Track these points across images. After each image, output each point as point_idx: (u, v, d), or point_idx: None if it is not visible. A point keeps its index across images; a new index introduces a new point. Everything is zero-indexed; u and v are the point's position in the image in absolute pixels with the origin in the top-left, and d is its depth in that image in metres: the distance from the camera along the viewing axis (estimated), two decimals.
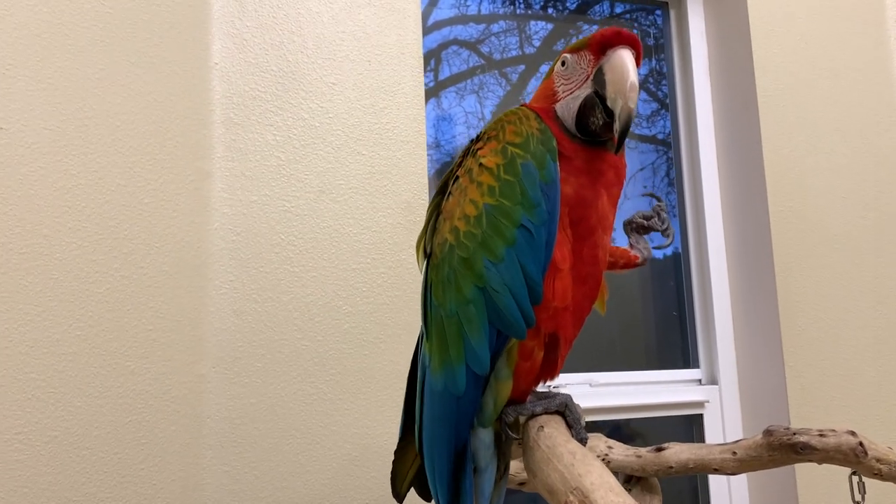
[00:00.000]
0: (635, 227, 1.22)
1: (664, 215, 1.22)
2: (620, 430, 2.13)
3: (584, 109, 0.96)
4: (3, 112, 1.44)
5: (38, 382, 1.41)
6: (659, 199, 1.23)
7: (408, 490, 1.17)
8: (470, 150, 1.05)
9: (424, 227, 1.10)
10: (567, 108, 0.99)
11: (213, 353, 1.58)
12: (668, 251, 2.34)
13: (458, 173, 1.04)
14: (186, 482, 1.52)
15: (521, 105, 1.04)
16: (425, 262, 1.08)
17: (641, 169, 2.38)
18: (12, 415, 1.38)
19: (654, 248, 1.23)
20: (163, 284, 1.54)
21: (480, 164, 0.98)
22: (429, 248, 1.07)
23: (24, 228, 1.44)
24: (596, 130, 0.97)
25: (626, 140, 1.00)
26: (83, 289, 1.47)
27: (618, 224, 1.17)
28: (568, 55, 1.00)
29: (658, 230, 1.21)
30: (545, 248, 0.94)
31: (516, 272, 0.93)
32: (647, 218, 1.21)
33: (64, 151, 1.49)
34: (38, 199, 1.45)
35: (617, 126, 0.92)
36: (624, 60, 0.92)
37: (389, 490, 1.64)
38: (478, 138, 1.05)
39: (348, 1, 1.80)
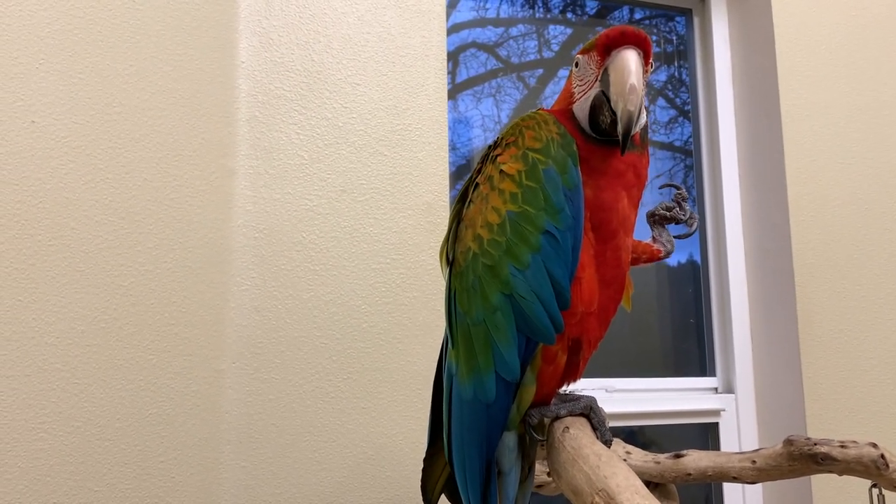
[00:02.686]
0: (658, 220, 1.20)
1: (685, 205, 1.19)
2: (635, 436, 2.12)
3: (594, 109, 0.96)
4: (35, 106, 1.46)
5: (62, 374, 1.42)
6: (678, 188, 1.21)
7: (439, 497, 1.17)
8: (489, 157, 1.05)
9: (447, 235, 1.10)
10: (581, 108, 0.99)
11: (233, 349, 1.59)
12: (686, 257, 2.33)
13: (478, 180, 1.04)
14: (205, 476, 1.53)
15: (538, 109, 1.04)
16: (448, 270, 1.08)
17: (659, 175, 2.38)
18: (37, 404, 1.40)
19: (676, 237, 1.20)
20: (186, 280, 1.56)
21: (501, 171, 0.98)
22: (451, 256, 1.07)
23: (52, 221, 1.45)
24: (607, 129, 0.97)
25: (649, 145, 1.01)
26: (108, 282, 1.49)
27: (641, 219, 1.17)
28: (580, 56, 1.01)
29: (681, 220, 1.19)
30: (571, 252, 0.94)
31: (543, 278, 0.93)
32: (669, 209, 1.19)
33: (92, 146, 1.51)
34: (66, 192, 1.47)
35: (619, 128, 0.91)
36: (626, 62, 0.92)
37: (405, 489, 1.65)
38: (495, 144, 1.05)
39: (374, 2, 1.81)
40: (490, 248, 0.96)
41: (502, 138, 1.03)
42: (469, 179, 1.09)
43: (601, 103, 0.95)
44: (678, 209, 1.18)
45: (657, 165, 2.39)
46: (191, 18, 1.64)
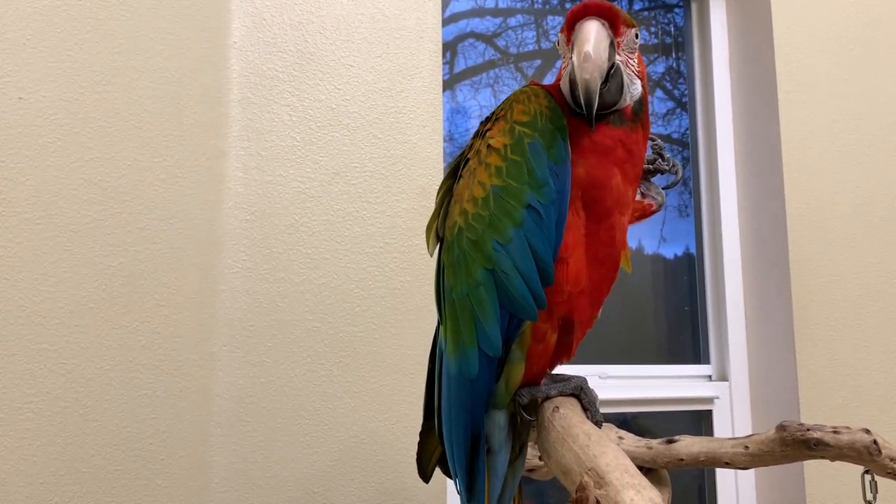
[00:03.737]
0: (643, 174, 1.16)
1: (665, 154, 1.17)
2: (629, 424, 2.11)
3: (571, 85, 0.95)
4: (23, 82, 1.44)
5: (49, 353, 1.41)
6: (653, 139, 1.17)
7: (433, 470, 1.17)
8: (479, 132, 1.04)
9: (436, 210, 1.09)
10: (564, 85, 0.98)
11: (224, 332, 1.58)
12: (689, 249, 2.33)
13: (468, 155, 1.03)
14: (194, 459, 1.52)
15: (531, 83, 1.03)
16: (438, 246, 1.08)
17: None
18: (24, 384, 1.38)
19: (664, 188, 1.18)
20: (176, 261, 1.54)
21: (489, 146, 0.98)
22: (441, 231, 1.06)
23: (40, 199, 1.43)
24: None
25: (647, 121, 0.99)
26: (97, 262, 1.47)
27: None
28: (559, 35, 1.00)
29: (665, 170, 1.16)
30: (555, 228, 0.92)
31: (525, 253, 0.92)
32: (651, 161, 1.16)
33: (81, 124, 1.49)
34: (54, 169, 1.45)
35: (581, 100, 0.90)
36: (583, 32, 0.91)
37: (396, 473, 1.64)
38: (487, 119, 1.04)
39: None
40: (474, 222, 0.95)
41: (494, 113, 1.02)
42: (460, 155, 1.08)
43: (573, 79, 0.93)
44: (660, 160, 1.16)
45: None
46: None
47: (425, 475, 1.18)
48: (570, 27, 0.94)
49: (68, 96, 1.48)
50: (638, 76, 0.99)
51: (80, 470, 1.41)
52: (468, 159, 1.02)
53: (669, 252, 2.35)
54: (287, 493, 1.58)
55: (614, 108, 0.96)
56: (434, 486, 1.28)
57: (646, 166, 1.15)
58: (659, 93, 2.43)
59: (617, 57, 0.95)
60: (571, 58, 0.93)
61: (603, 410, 2.02)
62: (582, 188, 0.95)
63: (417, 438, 1.17)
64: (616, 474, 0.80)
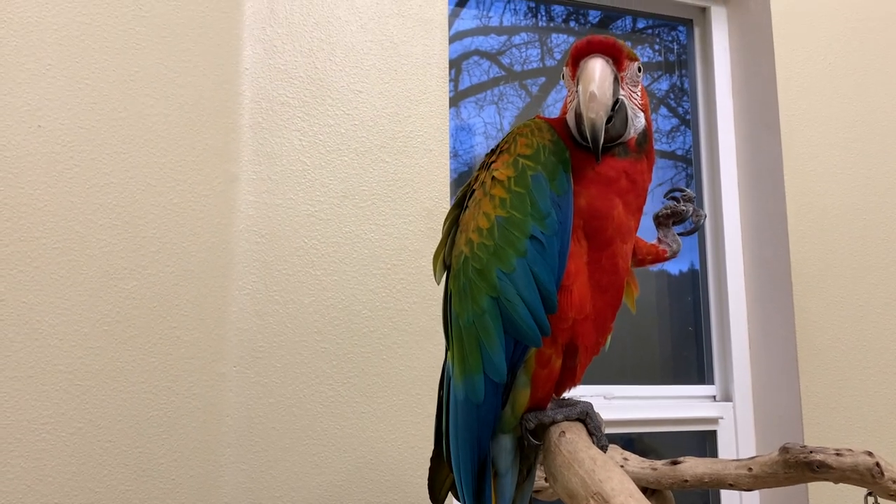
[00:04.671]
0: (663, 220, 1.20)
1: (688, 204, 1.20)
2: (634, 444, 2.13)
3: (577, 119, 0.98)
4: (42, 111, 1.48)
5: (65, 375, 1.44)
6: (684, 190, 1.22)
7: (446, 495, 1.19)
8: (485, 164, 1.07)
9: (443, 239, 1.13)
10: (570, 119, 1.01)
11: (234, 353, 1.61)
12: (685, 266, 2.35)
13: (474, 186, 1.07)
14: (205, 478, 1.54)
15: (536, 117, 1.06)
16: (445, 274, 1.11)
17: (660, 184, 2.39)
18: (40, 405, 1.41)
19: (680, 234, 1.21)
20: (188, 283, 1.57)
21: (493, 178, 1.01)
22: (448, 260, 1.09)
23: (57, 224, 1.47)
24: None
25: (652, 150, 1.02)
26: (111, 285, 1.50)
27: (649, 223, 1.17)
28: (564, 69, 1.04)
29: (686, 218, 1.19)
30: (558, 257, 0.95)
31: (529, 282, 0.95)
32: (671, 208, 1.20)
33: (98, 150, 1.53)
34: (71, 195, 1.49)
35: (588, 136, 0.94)
36: (587, 71, 0.94)
37: (402, 494, 1.66)
38: (492, 151, 1.08)
39: (377, 10, 1.83)
40: (479, 251, 0.98)
41: (499, 146, 1.05)
42: (466, 185, 1.11)
43: (579, 114, 0.96)
44: (685, 204, 1.20)
45: (659, 175, 2.41)
46: (196, 25, 1.66)
47: (437, 501, 1.20)
48: (575, 63, 0.98)
49: (85, 124, 1.52)
50: (641, 108, 1.02)
51: (93, 490, 1.43)
52: (474, 190, 1.05)
53: (674, 271, 2.37)
54: None
55: (619, 141, 0.99)
56: None
57: (666, 212, 1.19)
58: (662, 110, 2.46)
59: (621, 92, 0.99)
60: (577, 93, 0.96)
61: (608, 431, 2.04)
62: (584, 218, 0.98)
63: (427, 459, 1.18)
64: (621, 499, 0.82)
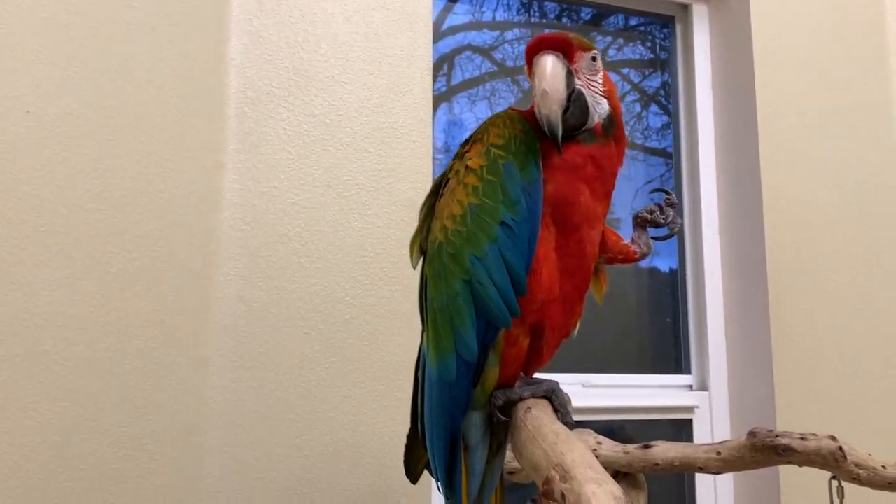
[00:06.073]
0: (640, 222, 1.23)
1: (668, 209, 1.22)
2: (615, 433, 2.16)
3: (538, 115, 1.03)
4: (31, 97, 1.51)
5: (51, 355, 1.47)
6: (668, 193, 1.24)
7: (421, 472, 1.24)
8: (459, 153, 1.12)
9: (419, 226, 1.17)
10: (536, 112, 1.05)
11: (218, 338, 1.64)
12: (672, 263, 2.39)
13: (449, 175, 1.11)
14: (188, 459, 1.57)
15: (509, 108, 1.11)
16: (421, 260, 1.15)
17: (650, 181, 2.43)
18: (26, 384, 1.44)
19: (653, 239, 1.23)
20: (173, 269, 1.60)
21: (467, 167, 1.05)
22: (425, 246, 1.14)
23: (45, 207, 1.50)
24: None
25: (621, 135, 1.06)
26: (98, 269, 1.53)
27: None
28: (525, 66, 1.08)
29: (661, 224, 1.22)
30: (527, 242, 1.00)
31: (499, 266, 0.99)
32: (651, 212, 1.22)
33: (85, 138, 1.55)
34: (59, 181, 1.52)
35: (545, 129, 0.99)
36: (539, 68, 1.01)
37: (383, 476, 1.70)
38: (467, 141, 1.12)
39: (362, 3, 1.86)
40: (453, 237, 1.02)
41: (472, 135, 1.09)
42: (442, 174, 1.15)
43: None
44: (659, 213, 1.22)
45: (650, 171, 2.44)
46: (184, 16, 1.68)
47: (413, 477, 1.24)
48: (530, 61, 1.03)
49: (73, 111, 1.55)
50: (604, 95, 1.06)
51: (77, 468, 1.46)
52: (449, 178, 1.09)
53: (653, 263, 2.41)
54: (277, 492, 1.63)
55: (585, 128, 1.03)
56: (419, 487, 1.33)
57: (645, 215, 1.21)
58: (654, 107, 2.50)
59: (577, 82, 1.03)
60: (534, 89, 1.01)
61: (586, 418, 2.09)
62: (552, 205, 1.02)
63: (404, 441, 1.23)
64: (580, 469, 0.86)
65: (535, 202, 1.00)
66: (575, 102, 1.02)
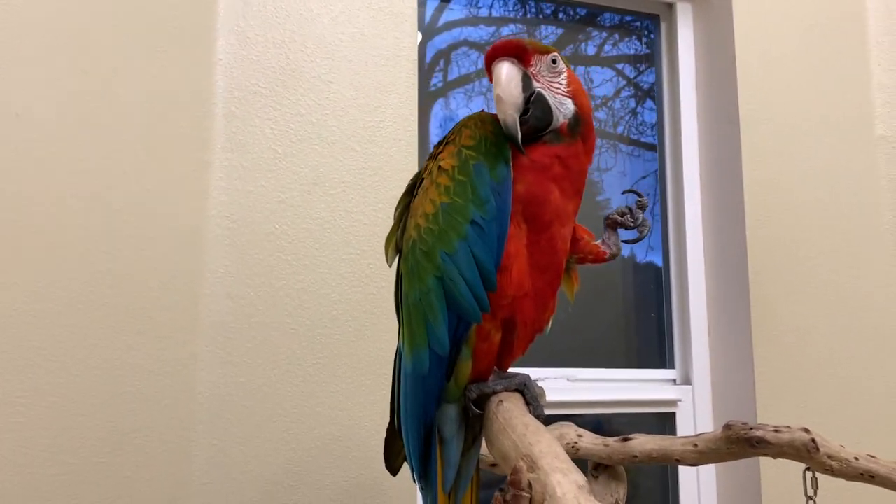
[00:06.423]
0: (611, 223, 1.24)
1: (639, 212, 1.23)
2: (602, 427, 2.20)
3: None
4: (20, 100, 1.54)
5: (40, 351, 1.50)
6: (640, 195, 1.25)
7: (401, 464, 1.27)
8: (433, 154, 1.15)
9: (395, 225, 1.20)
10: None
11: (206, 334, 1.67)
12: (656, 259, 2.42)
13: (423, 175, 1.14)
14: (177, 453, 1.60)
15: (481, 111, 1.14)
16: (397, 257, 1.18)
17: (645, 177, 2.46)
18: (15, 379, 1.47)
19: (623, 241, 1.25)
20: (161, 266, 1.63)
21: (439, 167, 1.08)
22: (400, 244, 1.17)
23: (34, 207, 1.53)
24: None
25: (589, 134, 1.09)
26: (87, 267, 1.56)
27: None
28: (487, 73, 1.11)
29: (630, 227, 1.23)
30: (497, 240, 1.03)
31: (470, 263, 1.02)
32: (622, 214, 1.24)
33: (74, 139, 1.58)
34: (49, 180, 1.55)
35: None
36: (495, 75, 1.04)
37: (369, 469, 1.73)
38: (440, 142, 1.15)
39: (348, 4, 1.89)
40: (426, 235, 1.05)
41: (446, 136, 1.13)
42: (417, 174, 1.18)
43: None
44: (629, 216, 1.23)
45: (646, 166, 2.47)
46: (171, 17, 1.71)
47: (392, 469, 1.28)
48: (489, 69, 1.07)
49: (62, 112, 1.57)
50: (568, 95, 1.08)
51: (67, 462, 1.49)
52: (423, 178, 1.12)
53: (637, 259, 2.44)
54: (264, 486, 1.67)
55: (550, 129, 1.06)
56: (403, 480, 1.36)
57: (616, 217, 1.22)
58: (648, 102, 2.52)
59: (536, 84, 1.06)
60: None
61: (570, 412, 2.11)
62: (523, 203, 1.05)
63: (388, 427, 1.25)
64: (547, 460, 0.89)
65: (505, 201, 1.03)
66: (535, 105, 1.05)
